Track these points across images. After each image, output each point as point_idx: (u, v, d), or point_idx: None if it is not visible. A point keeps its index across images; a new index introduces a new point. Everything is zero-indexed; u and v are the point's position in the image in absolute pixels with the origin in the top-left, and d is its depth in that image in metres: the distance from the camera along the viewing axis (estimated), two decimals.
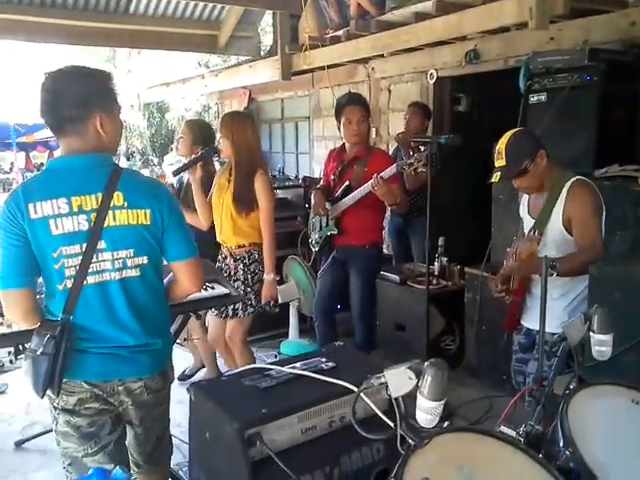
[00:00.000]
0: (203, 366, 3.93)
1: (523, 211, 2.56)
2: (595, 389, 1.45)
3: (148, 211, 1.76)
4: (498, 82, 4.50)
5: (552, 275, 2.02)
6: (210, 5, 5.87)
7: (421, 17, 4.24)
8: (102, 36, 5.96)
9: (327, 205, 3.51)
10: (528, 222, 2.49)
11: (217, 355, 3.70)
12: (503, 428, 1.36)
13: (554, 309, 2.31)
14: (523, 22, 3.46)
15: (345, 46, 5.06)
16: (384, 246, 5.01)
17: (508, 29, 4.16)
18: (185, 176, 3.54)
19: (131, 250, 1.76)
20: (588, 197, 2.29)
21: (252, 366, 1.89)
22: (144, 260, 1.79)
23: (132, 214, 1.74)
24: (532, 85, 3.55)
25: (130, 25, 5.89)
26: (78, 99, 1.71)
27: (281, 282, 4.20)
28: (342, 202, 3.47)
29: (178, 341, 4.44)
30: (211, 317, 3.34)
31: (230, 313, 3.14)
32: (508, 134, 2.39)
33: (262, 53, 6.78)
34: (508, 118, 3.60)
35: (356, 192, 3.40)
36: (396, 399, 1.13)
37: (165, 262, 1.90)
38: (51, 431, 1.91)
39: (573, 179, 2.33)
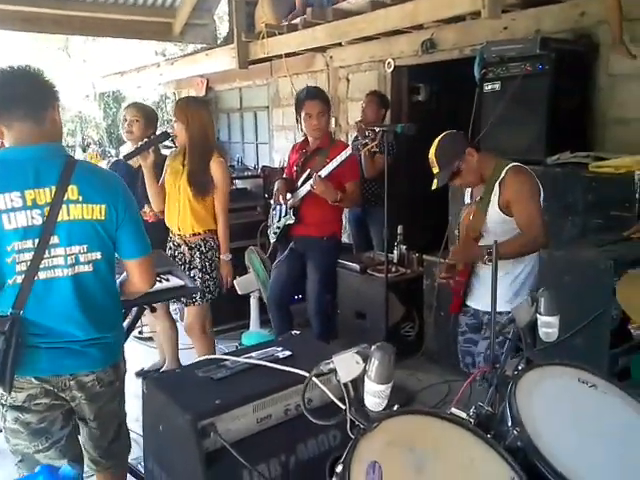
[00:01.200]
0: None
1: (467, 198, 2.66)
2: (543, 370, 1.49)
3: (103, 206, 1.73)
4: (455, 71, 4.54)
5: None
6: None
7: (377, 5, 4.26)
8: (53, 23, 5.76)
9: (288, 195, 3.49)
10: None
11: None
12: (454, 410, 1.38)
13: (500, 287, 2.36)
14: (476, 11, 3.49)
15: (302, 34, 5.03)
16: (344, 235, 5.04)
17: (463, 18, 4.21)
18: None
19: (84, 246, 1.72)
20: (523, 181, 2.39)
21: (206, 357, 1.86)
22: (97, 256, 1.76)
23: (87, 209, 1.71)
24: (486, 74, 3.61)
25: (82, 12, 5.71)
26: (37, 85, 1.70)
27: (244, 273, 4.17)
28: (300, 190, 3.45)
29: (139, 336, 4.41)
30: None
31: (186, 301, 3.11)
32: (436, 141, 2.51)
33: (219, 41, 6.67)
34: (465, 106, 3.65)
35: (304, 187, 3.41)
36: (345, 384, 1.13)
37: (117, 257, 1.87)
38: (1, 430, 1.86)
39: (509, 166, 2.42)
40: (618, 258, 2.25)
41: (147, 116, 3.48)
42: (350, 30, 4.59)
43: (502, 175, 2.39)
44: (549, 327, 1.49)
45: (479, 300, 2.53)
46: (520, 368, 1.49)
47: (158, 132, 3.29)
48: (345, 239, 5.04)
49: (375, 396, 1.08)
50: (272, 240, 3.72)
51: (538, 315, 1.49)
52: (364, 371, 1.10)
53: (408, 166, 4.78)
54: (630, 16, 3.46)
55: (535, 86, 3.38)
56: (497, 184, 2.40)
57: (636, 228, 2.55)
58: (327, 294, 3.72)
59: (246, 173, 5.30)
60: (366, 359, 1.09)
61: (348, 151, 3.26)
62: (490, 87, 3.58)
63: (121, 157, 3.27)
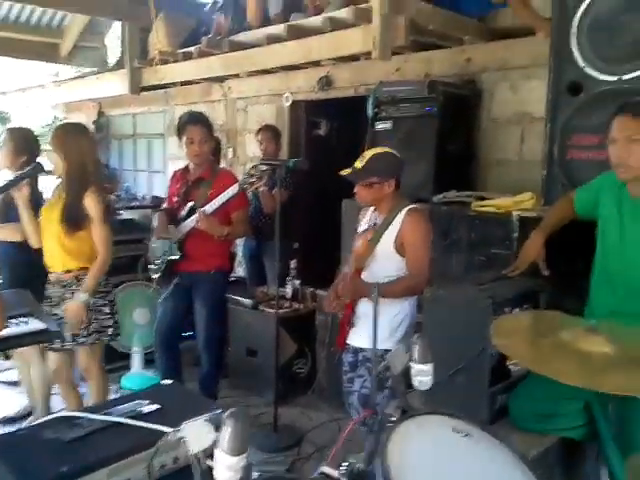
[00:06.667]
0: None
1: (361, 227, 2.65)
2: (417, 420, 1.43)
3: None
4: (352, 108, 4.62)
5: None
6: (50, 11, 5.42)
7: (273, 40, 4.24)
8: None
9: (170, 228, 3.31)
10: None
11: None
12: (324, 469, 1.29)
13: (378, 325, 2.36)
14: (368, 51, 3.56)
15: (197, 63, 4.93)
16: (240, 269, 4.90)
17: (358, 58, 4.30)
18: None
19: None
20: (420, 225, 2.45)
21: (58, 414, 1.65)
22: None
23: None
24: (379, 113, 3.67)
25: None
26: None
27: None
28: (185, 224, 3.28)
29: (9, 380, 3.98)
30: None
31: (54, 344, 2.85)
32: (383, 149, 2.52)
33: (110, 65, 6.41)
34: (362, 143, 3.69)
35: (188, 221, 3.26)
36: (196, 455, 1.00)
37: None
38: None
39: (408, 207, 2.48)
40: (496, 296, 2.29)
41: (21, 142, 3.24)
42: (245, 62, 4.55)
43: (402, 214, 2.44)
44: (423, 375, 1.44)
45: (355, 337, 2.52)
46: (394, 419, 1.43)
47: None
48: (241, 273, 4.91)
49: (228, 469, 0.95)
50: (154, 276, 3.43)
51: (412, 363, 1.44)
52: (217, 439, 0.97)
53: (305, 201, 4.77)
54: (509, 65, 3.69)
55: (424, 127, 3.49)
56: (395, 222, 2.44)
57: (514, 266, 2.62)
58: (217, 329, 3.54)
59: (134, 203, 5.02)
60: (219, 426, 0.97)
61: (235, 189, 3.17)
62: (382, 126, 3.65)
63: None
